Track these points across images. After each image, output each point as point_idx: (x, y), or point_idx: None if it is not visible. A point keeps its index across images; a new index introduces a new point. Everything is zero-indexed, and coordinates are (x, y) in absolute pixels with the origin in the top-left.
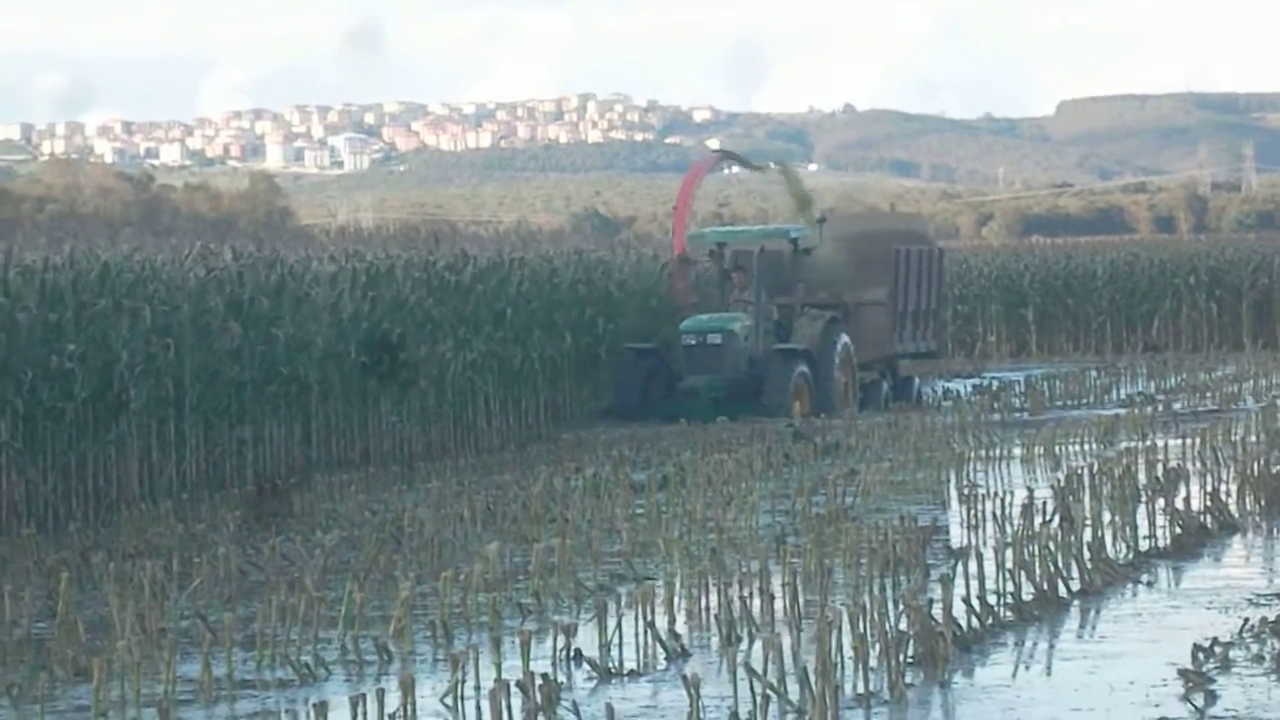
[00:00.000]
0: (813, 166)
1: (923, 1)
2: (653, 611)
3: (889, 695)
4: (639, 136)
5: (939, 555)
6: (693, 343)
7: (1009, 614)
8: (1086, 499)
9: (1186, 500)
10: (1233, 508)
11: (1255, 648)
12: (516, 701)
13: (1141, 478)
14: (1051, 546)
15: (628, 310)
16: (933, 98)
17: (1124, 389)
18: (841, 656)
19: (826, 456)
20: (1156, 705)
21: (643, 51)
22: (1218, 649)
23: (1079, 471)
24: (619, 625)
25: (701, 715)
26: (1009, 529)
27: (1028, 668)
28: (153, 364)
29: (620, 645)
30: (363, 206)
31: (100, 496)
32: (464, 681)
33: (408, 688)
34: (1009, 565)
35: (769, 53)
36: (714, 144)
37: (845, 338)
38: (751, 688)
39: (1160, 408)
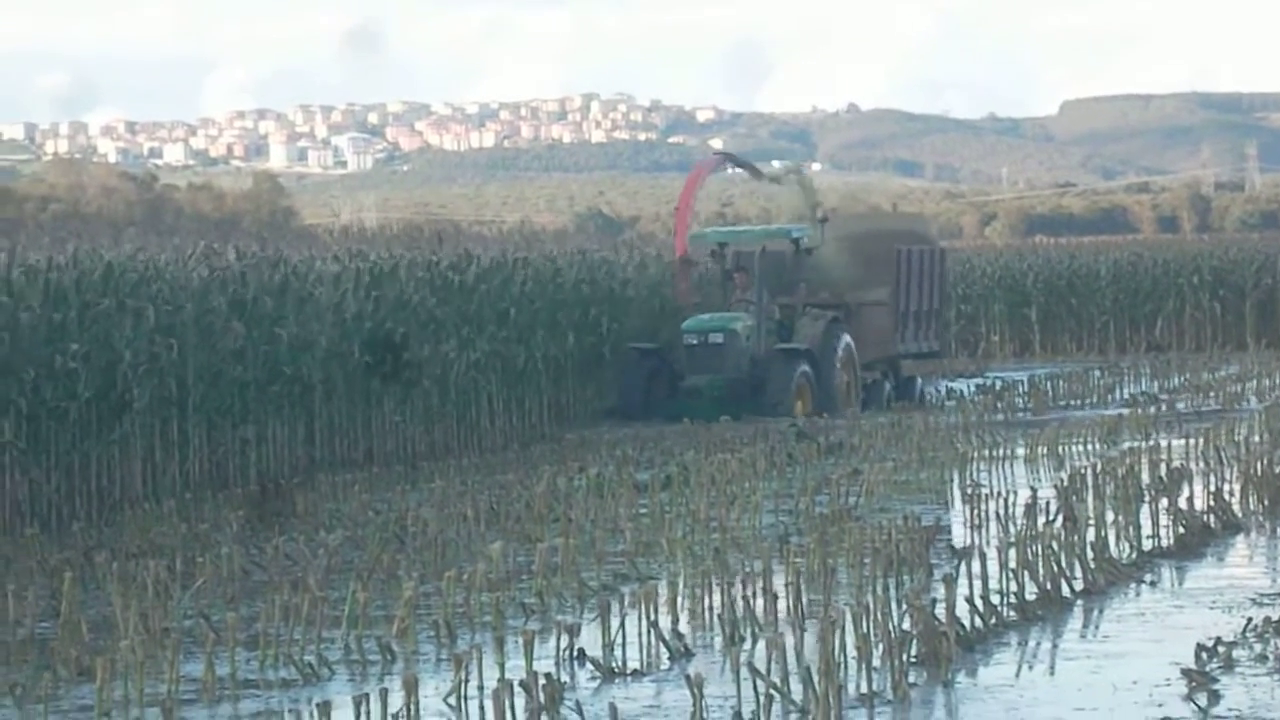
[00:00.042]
0: (816, 166)
1: (926, 1)
2: (656, 611)
3: (892, 695)
4: (642, 136)
5: (942, 555)
6: (694, 342)
7: (1012, 614)
8: (1090, 498)
9: (1190, 500)
10: (1236, 507)
11: (1258, 647)
12: (520, 701)
13: (1145, 477)
14: (1055, 546)
15: (631, 310)
16: (936, 97)
17: (1127, 389)
18: (845, 656)
19: (830, 456)
20: (1160, 705)
21: (646, 51)
22: (1221, 649)
23: (1082, 471)
24: (622, 625)
25: (705, 715)
26: (1012, 528)
27: (1031, 667)
28: (156, 363)
29: (623, 645)
30: (366, 206)
31: (103, 496)
32: (467, 681)
33: (411, 687)
34: (1012, 565)
35: (772, 52)
36: (717, 144)
37: (847, 338)
38: (755, 687)
39: (1164, 407)
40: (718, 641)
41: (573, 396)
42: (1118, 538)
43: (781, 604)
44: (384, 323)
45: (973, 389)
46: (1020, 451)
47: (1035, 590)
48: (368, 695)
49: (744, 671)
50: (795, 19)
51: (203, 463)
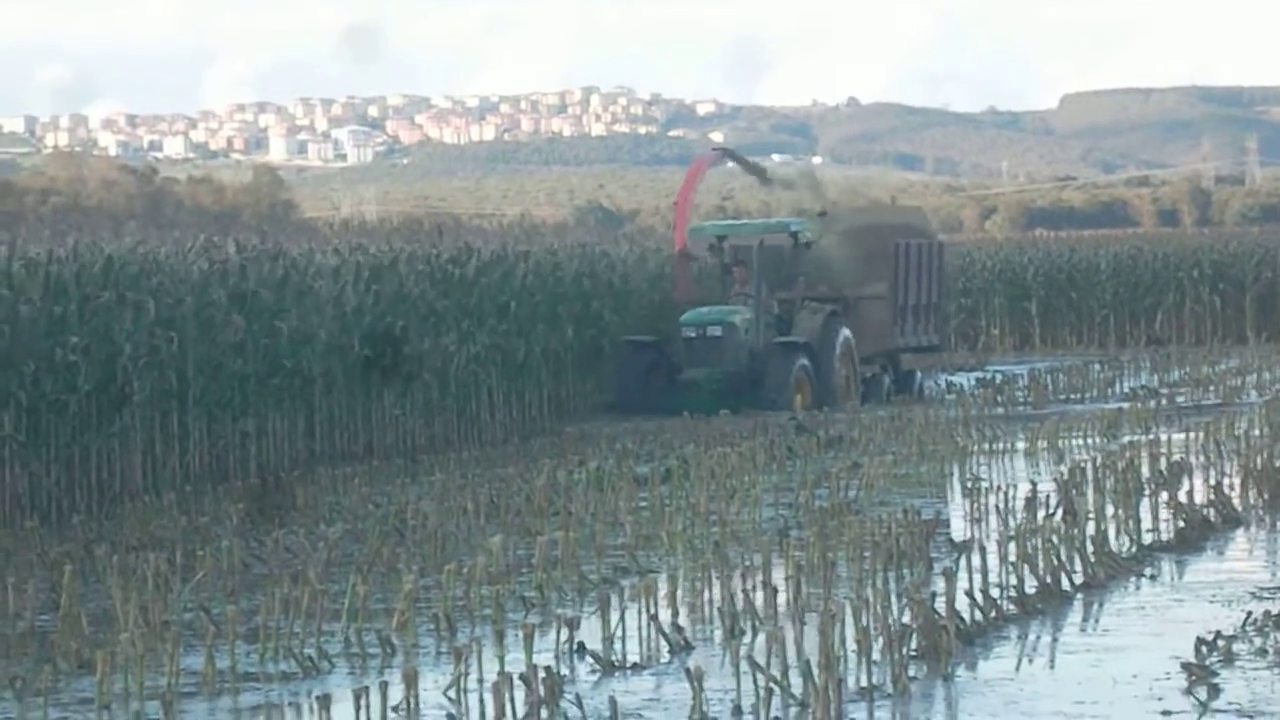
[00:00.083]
0: (817, 160)
1: None
2: (656, 604)
3: (892, 688)
4: (642, 130)
5: (942, 549)
6: (693, 335)
7: (1012, 607)
8: (1089, 492)
9: (1190, 494)
10: (1236, 501)
11: (1258, 641)
12: (519, 694)
13: (1145, 471)
14: (1054, 540)
15: (631, 304)
16: (936, 91)
17: (1127, 382)
18: (845, 650)
19: (830, 450)
20: (1159, 698)
21: (646, 45)
22: (1221, 642)
23: (1082, 465)
24: (622, 618)
25: (704, 708)
26: (1012, 522)
27: (1031, 661)
28: (156, 357)
29: (623, 638)
30: (366, 199)
31: (103, 489)
32: (467, 674)
33: (411, 681)
34: (1012, 558)
35: (773, 46)
36: (718, 137)
37: (846, 331)
38: (755, 681)
39: (1163, 401)
40: (717, 635)
41: (573, 390)
42: (1117, 531)
43: (781, 597)
44: (384, 316)
45: (973, 382)
46: (1020, 445)
47: (1035, 584)
48: (368, 688)
49: (744, 665)
50: (795, 12)
51: (203, 456)
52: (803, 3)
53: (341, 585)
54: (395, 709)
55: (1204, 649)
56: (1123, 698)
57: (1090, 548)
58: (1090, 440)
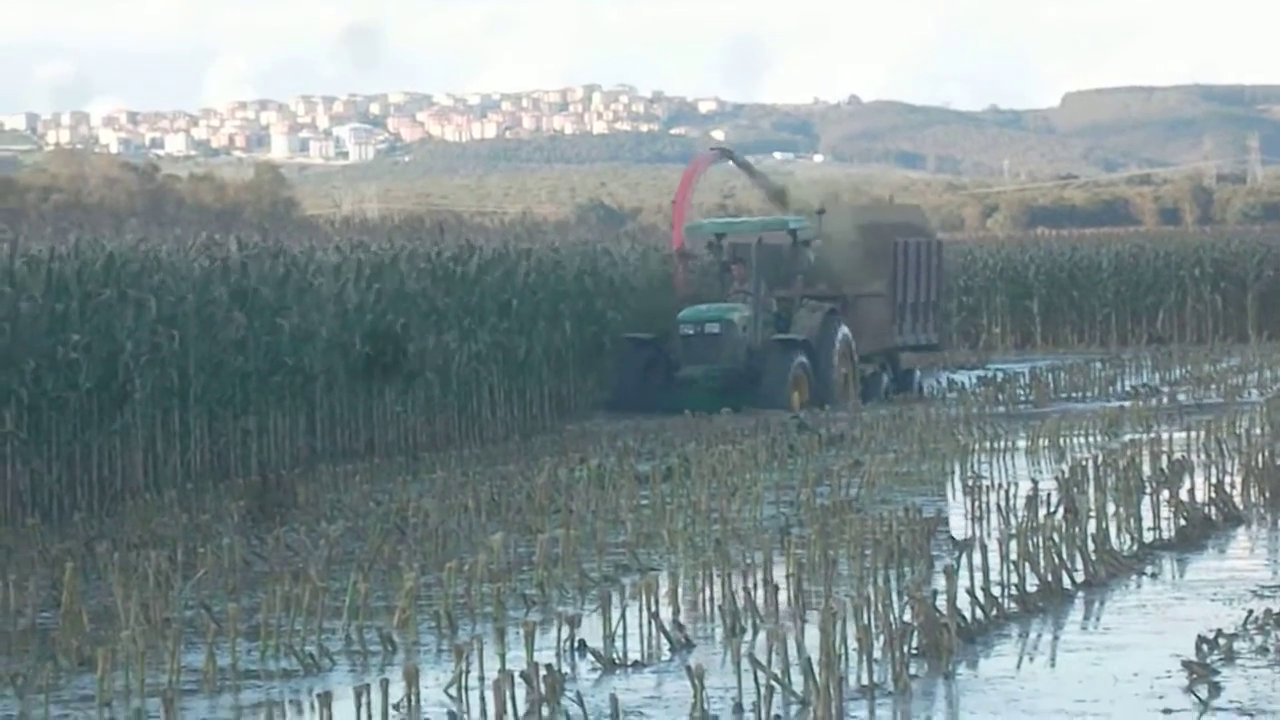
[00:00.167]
0: (818, 158)
1: None
2: (657, 602)
3: (893, 686)
4: (644, 128)
5: (943, 547)
6: (690, 333)
7: (1013, 605)
8: (1091, 490)
9: (1191, 492)
10: (1237, 499)
11: (1259, 639)
12: (520, 692)
13: (1146, 469)
14: (1056, 538)
15: (633, 301)
16: (938, 89)
17: (1129, 381)
18: (846, 648)
19: (831, 448)
20: (1160, 697)
21: (648, 43)
22: (1222, 641)
23: (1083, 463)
24: (623, 616)
25: (705, 706)
26: (1013, 520)
27: (1032, 659)
28: (157, 354)
29: (624, 636)
30: (368, 197)
31: (105, 486)
32: (468, 672)
33: (412, 678)
34: (1013, 557)
35: (774, 44)
36: (719, 135)
37: (845, 329)
38: (756, 679)
39: (1165, 399)
40: (719, 633)
41: (574, 388)
42: (1119, 530)
43: (782, 595)
44: (385, 314)
45: (974, 381)
46: (1021, 443)
47: (1036, 582)
48: (369, 686)
49: (745, 663)
50: (797, 11)
51: (204, 453)
52: (804, 1)
53: (342, 583)
54: (396, 707)
55: (1205, 647)
56: (1124, 696)
57: (1091, 546)
58: (1091, 438)
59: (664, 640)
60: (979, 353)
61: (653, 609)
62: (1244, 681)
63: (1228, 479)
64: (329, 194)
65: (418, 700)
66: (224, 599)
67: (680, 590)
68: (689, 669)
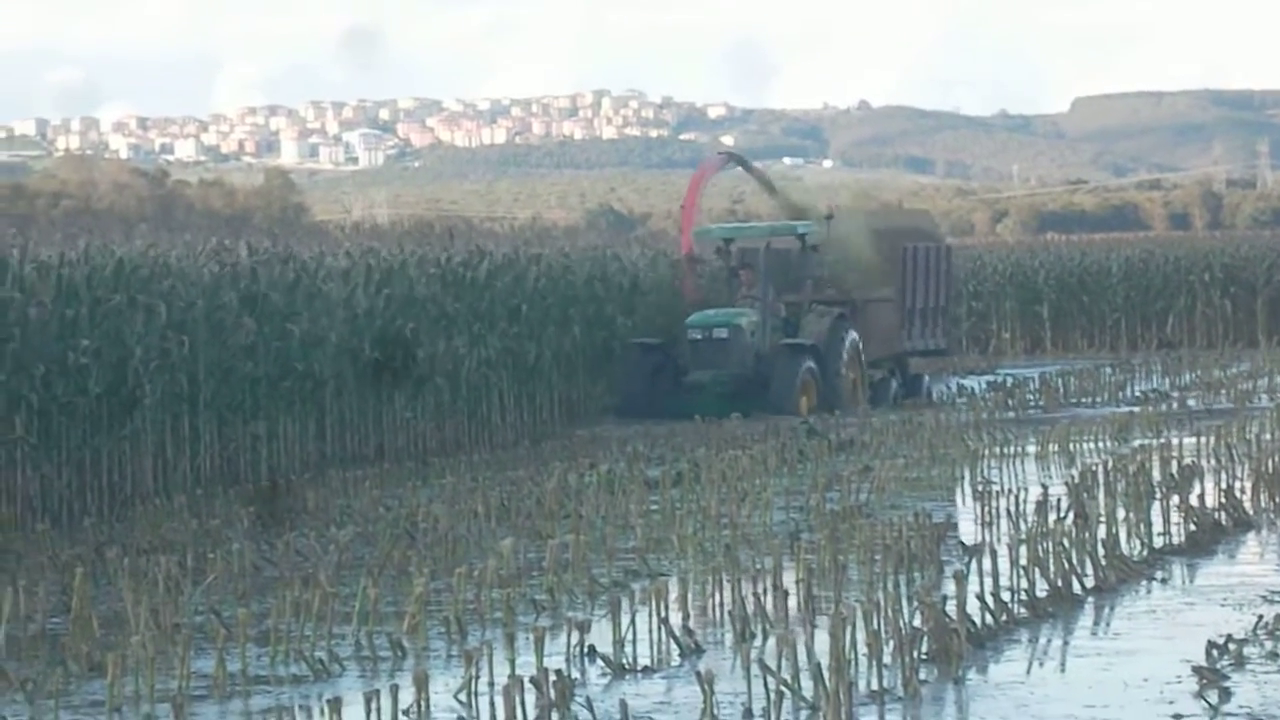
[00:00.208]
0: (827, 163)
1: None
2: (667, 608)
3: (903, 692)
4: (653, 133)
5: (953, 552)
6: (699, 337)
7: (1023, 611)
8: (1101, 496)
9: (1201, 497)
10: (1247, 505)
11: (1269, 645)
12: (530, 698)
13: (1156, 475)
14: (1066, 543)
15: (642, 307)
16: (947, 94)
17: (1138, 386)
18: (855, 653)
19: (840, 453)
20: (1171, 702)
21: (658, 48)
22: (1232, 646)
23: (1093, 468)
24: (633, 621)
25: (715, 712)
26: (1023, 526)
27: (1042, 664)
28: (167, 359)
29: (634, 641)
30: (377, 202)
31: (115, 492)
32: (478, 678)
33: (421, 684)
34: (1023, 562)
35: (784, 49)
36: (729, 140)
37: (854, 334)
38: (765, 684)
39: (1175, 405)
40: (728, 638)
41: (583, 393)
42: (1129, 535)
43: (792, 601)
44: (395, 319)
45: (984, 386)
46: (1031, 449)
47: (1046, 587)
48: (378, 691)
49: (755, 668)
50: (806, 16)
51: (214, 458)
52: (814, 6)
53: (352, 588)
54: (406, 712)
55: (1215, 652)
56: (1133, 701)
57: (1101, 551)
58: (1101, 444)
59: (674, 645)
60: (989, 358)
61: (662, 614)
62: (1254, 687)
63: (1238, 484)
64: (339, 199)
65: (427, 706)
66: (234, 604)
67: (690, 595)
68: (699, 674)
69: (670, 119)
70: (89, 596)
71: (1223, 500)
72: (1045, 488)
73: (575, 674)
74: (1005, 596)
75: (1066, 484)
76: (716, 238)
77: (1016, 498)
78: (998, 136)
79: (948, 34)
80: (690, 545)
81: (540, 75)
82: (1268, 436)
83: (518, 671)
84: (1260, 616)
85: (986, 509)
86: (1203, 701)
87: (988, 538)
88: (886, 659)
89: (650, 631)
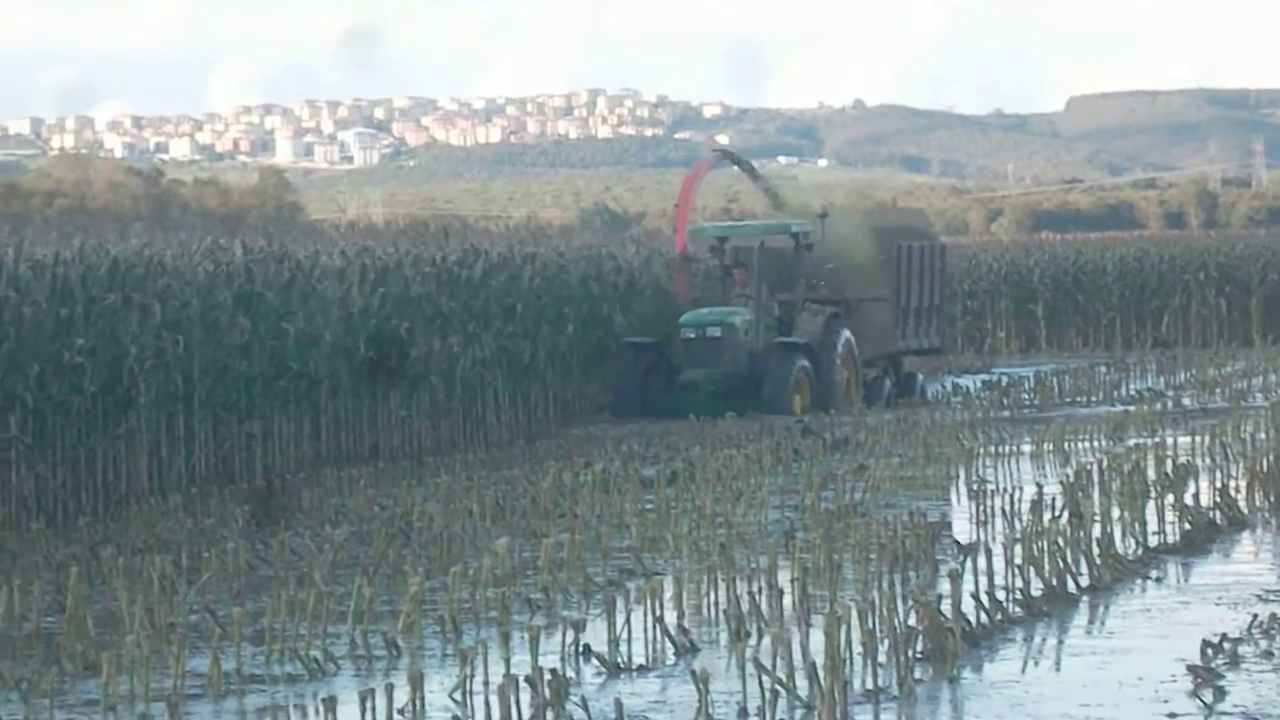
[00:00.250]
0: (822, 162)
1: None
2: (661, 607)
3: (898, 691)
4: (649, 132)
5: (948, 551)
6: (692, 336)
7: (1018, 610)
8: (1096, 495)
9: (1196, 496)
10: (1242, 504)
11: (1264, 644)
12: (525, 697)
13: (1151, 474)
14: (1060, 542)
15: (637, 306)
16: (942, 93)
17: (1133, 385)
18: (850, 652)
19: (835, 452)
20: (1165, 701)
21: (653, 47)
22: (1227, 645)
23: (1088, 467)
24: (628, 620)
25: (710, 710)
26: (1018, 525)
27: (1036, 663)
28: (162, 359)
29: (629, 640)
30: (373, 201)
31: (109, 491)
32: (473, 676)
33: (416, 683)
34: (1018, 561)
35: (778, 48)
36: (723, 139)
37: (847, 333)
38: (760, 683)
39: (1170, 404)
40: (723, 637)
41: (578, 392)
42: (1123, 534)
43: (787, 599)
44: (390, 318)
45: (979, 385)
46: (1026, 448)
47: (1041, 586)
48: (373, 690)
49: (749, 667)
50: (801, 15)
51: (208, 458)
52: (809, 5)
53: (347, 587)
54: (401, 711)
55: (1209, 652)
56: (1128, 700)
57: (1096, 550)
58: (1096, 442)
59: (668, 645)
60: (984, 357)
61: (657, 613)
62: (1249, 686)
63: (1232, 483)
64: (333, 198)
65: (422, 705)
66: (228, 603)
67: (685, 594)
68: (693, 673)
69: (665, 118)
70: (84, 596)
71: (1217, 499)
72: (1040, 487)
73: (570, 673)
74: (1000, 595)
75: (1061, 483)
76: (710, 236)
77: (1011, 497)
78: (993, 135)
79: (943, 33)
80: (685, 544)
81: (535, 74)
82: (1262, 435)
83: (513, 670)
84: (1255, 615)
85: (981, 508)
86: (1197, 700)
87: (983, 537)
88: (881, 658)
89: (645, 630)
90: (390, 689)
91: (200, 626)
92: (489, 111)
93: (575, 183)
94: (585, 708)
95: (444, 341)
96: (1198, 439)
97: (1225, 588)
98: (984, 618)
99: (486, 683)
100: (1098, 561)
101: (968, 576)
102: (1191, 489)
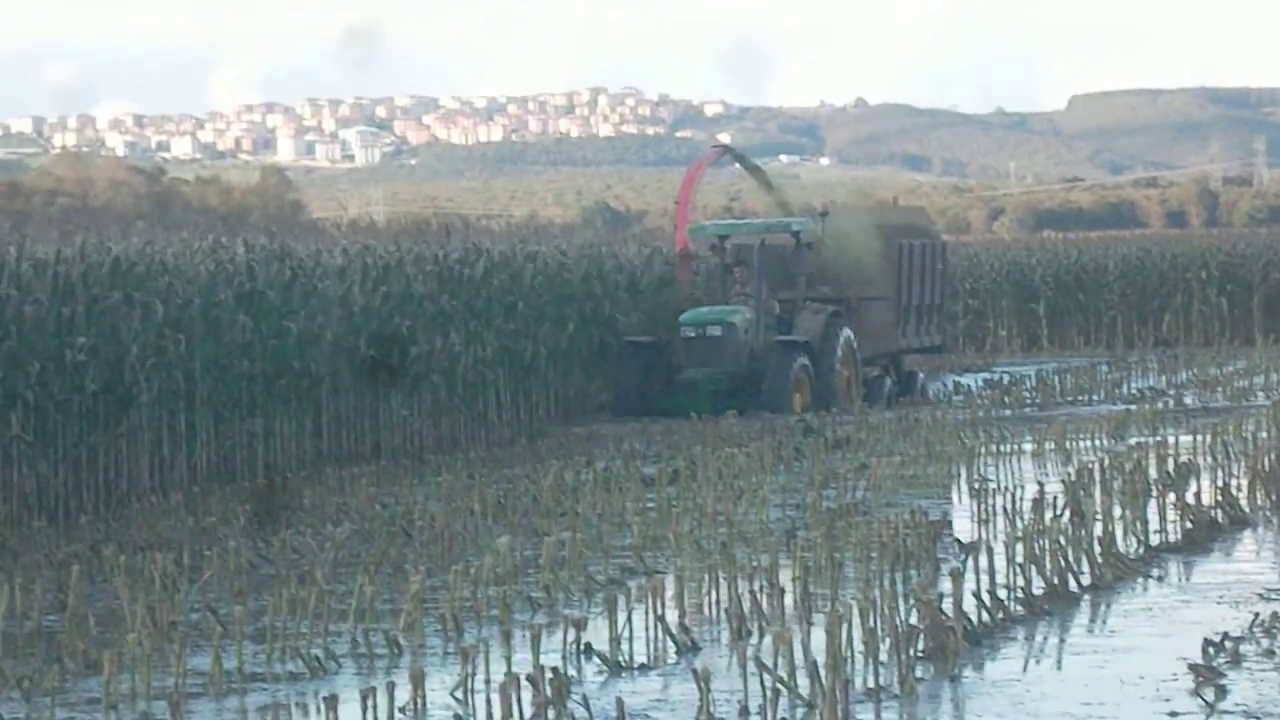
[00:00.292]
0: (824, 161)
1: None
2: (663, 605)
3: (899, 689)
4: (650, 130)
5: (949, 549)
6: (692, 335)
7: (1019, 608)
8: (1097, 493)
9: (1197, 495)
10: (1243, 502)
11: (1265, 643)
12: (526, 695)
13: (1152, 472)
14: (1062, 541)
15: (639, 304)
16: (944, 92)
17: (1135, 384)
18: (852, 650)
19: (837, 451)
20: (1167, 700)
21: (654, 45)
22: (1228, 644)
23: (1090, 466)
24: (629, 619)
25: (711, 709)
26: (1019, 523)
27: (1038, 662)
28: (163, 357)
29: (630, 639)
30: (374, 200)
31: (111, 489)
32: (474, 675)
33: (418, 681)
34: (1019, 559)
35: (780, 47)
36: (725, 138)
37: (848, 332)
38: (762, 682)
39: (1171, 402)
40: (724, 636)
41: (580, 391)
42: (1125, 533)
43: (788, 598)
44: (391, 316)
45: (980, 383)
46: (1027, 446)
47: (1042, 585)
48: (375, 689)
49: (751, 666)
50: (803, 13)
51: (210, 456)
52: (811, 3)
53: (349, 586)
54: (402, 709)
55: (1211, 650)
56: (1129, 699)
57: (1098, 549)
58: (1098, 441)
59: (670, 643)
60: (985, 355)
61: (659, 612)
62: (1250, 685)
63: (1234, 482)
64: (335, 197)
65: (424, 703)
66: (230, 602)
67: (686, 593)
68: (695, 672)
69: (667, 116)
70: (85, 594)
71: (1219, 498)
72: (1041, 485)
73: (571, 671)
74: (1002, 594)
75: (1063, 482)
76: (711, 234)
77: (1013, 495)
78: (994, 134)
79: (944, 32)
80: (686, 543)
81: (537, 72)
82: (1264, 434)
83: (514, 669)
84: (1256, 614)
85: (983, 507)
86: (1199, 699)
87: (984, 535)
88: (883, 657)
89: (647, 629)
90: (392, 687)
91: (202, 625)
92: (490, 110)
93: (577, 181)
94: (586, 706)
95: (445, 340)
96: (1199, 438)
97: (1227, 586)
98: (985, 616)
99: (488, 681)
100: (1099, 560)
101: (969, 575)
102: (1193, 488)
